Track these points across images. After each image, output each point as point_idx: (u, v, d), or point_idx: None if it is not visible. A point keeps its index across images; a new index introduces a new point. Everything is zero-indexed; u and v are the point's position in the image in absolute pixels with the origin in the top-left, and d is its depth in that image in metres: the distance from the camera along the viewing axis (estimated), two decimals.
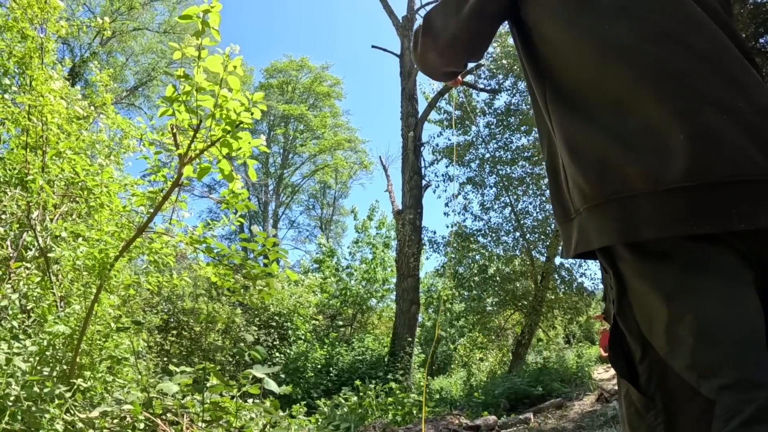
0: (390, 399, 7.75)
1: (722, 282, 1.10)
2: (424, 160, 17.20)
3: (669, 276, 1.13)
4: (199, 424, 3.37)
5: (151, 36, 25.82)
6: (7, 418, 2.99)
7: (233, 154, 3.30)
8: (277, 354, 15.09)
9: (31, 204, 4.79)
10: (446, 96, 18.85)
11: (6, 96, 4.85)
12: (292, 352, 15.36)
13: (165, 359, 12.01)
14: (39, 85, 4.66)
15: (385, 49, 18.30)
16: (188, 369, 3.71)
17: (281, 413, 4.87)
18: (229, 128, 3.15)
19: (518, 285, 16.74)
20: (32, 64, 4.89)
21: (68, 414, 3.42)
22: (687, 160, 1.09)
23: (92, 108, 5.85)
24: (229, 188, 3.66)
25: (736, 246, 1.12)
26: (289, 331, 16.08)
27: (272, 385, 3.39)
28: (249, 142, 3.31)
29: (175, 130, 3.35)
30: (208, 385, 3.46)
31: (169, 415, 3.34)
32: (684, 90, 1.14)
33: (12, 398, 3.13)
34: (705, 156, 1.08)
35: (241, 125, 3.20)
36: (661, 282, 1.14)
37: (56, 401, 3.45)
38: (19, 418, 3.12)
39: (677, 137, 1.10)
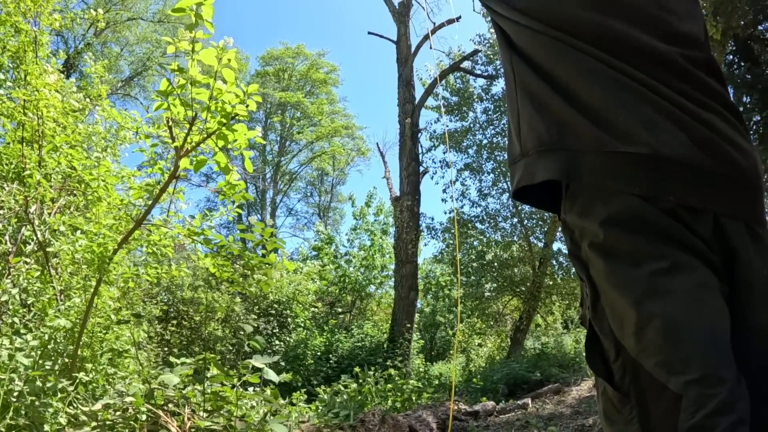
0: (389, 385, 7.81)
1: (688, 286, 1.19)
2: (421, 146, 17.22)
3: (637, 282, 1.21)
4: (201, 414, 3.41)
5: (146, 26, 25.66)
6: (11, 414, 3.02)
7: (229, 146, 3.32)
8: (277, 342, 15.17)
9: (28, 198, 4.80)
10: (443, 82, 18.84)
11: (1, 91, 4.84)
12: (291, 340, 15.44)
13: (166, 349, 12.08)
14: (34, 80, 4.65)
15: (381, 36, 18.24)
16: (188, 360, 3.75)
17: (281, 401, 4.93)
18: (224, 120, 3.17)
19: (516, 271, 16.80)
20: (26, 58, 4.88)
21: (71, 407, 3.46)
22: (628, 134, 1.23)
23: (88, 100, 5.85)
24: (225, 180, 3.68)
25: (706, 257, 1.22)
26: (289, 319, 16.15)
27: (271, 375, 3.45)
28: (245, 134, 3.33)
29: (170, 123, 3.37)
30: (209, 375, 3.50)
31: (170, 405, 3.37)
32: (628, 87, 1.28)
33: (16, 393, 3.17)
34: (642, 134, 1.23)
35: (237, 117, 3.22)
36: (629, 288, 1.23)
37: (59, 395, 3.49)
38: (23, 413, 3.15)
39: (617, 118, 1.25)
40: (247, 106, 3.21)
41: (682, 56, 1.31)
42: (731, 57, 8.98)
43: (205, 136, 3.25)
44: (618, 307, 1.26)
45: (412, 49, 17.48)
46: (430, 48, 23.05)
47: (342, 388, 7.12)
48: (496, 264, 16.87)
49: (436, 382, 13.52)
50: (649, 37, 1.31)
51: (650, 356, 1.21)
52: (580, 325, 1.45)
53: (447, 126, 18.36)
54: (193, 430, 3.05)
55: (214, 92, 3.12)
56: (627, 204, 1.23)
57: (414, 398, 7.92)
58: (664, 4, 1.38)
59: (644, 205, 1.22)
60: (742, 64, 8.87)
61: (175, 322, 13.45)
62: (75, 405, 3.45)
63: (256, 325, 14.52)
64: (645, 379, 1.25)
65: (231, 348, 13.31)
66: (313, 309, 17.75)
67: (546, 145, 1.34)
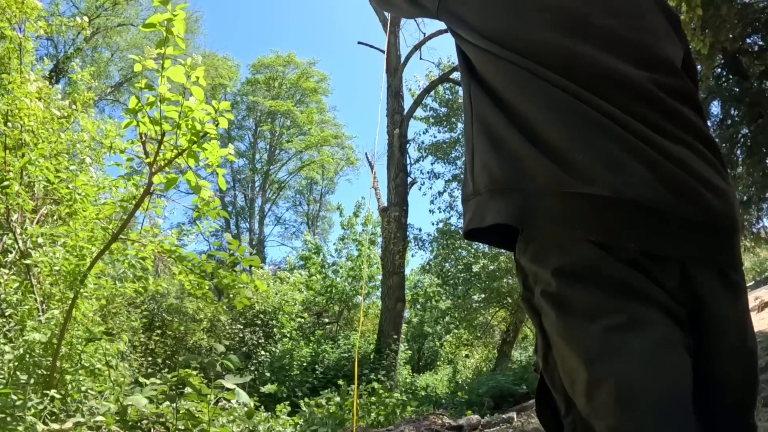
0: (373, 399, 7.77)
1: (646, 344, 1.09)
2: (409, 157, 17.24)
3: (590, 338, 1.12)
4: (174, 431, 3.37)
5: (136, 32, 25.58)
6: None
7: (200, 164, 3.29)
8: (262, 352, 15.06)
9: (10, 207, 4.74)
10: (432, 93, 18.90)
11: None
12: (277, 350, 15.34)
13: (150, 359, 11.96)
14: (15, 89, 4.61)
15: (371, 46, 18.38)
16: (158, 381, 3.70)
17: (261, 414, 4.88)
18: (195, 138, 3.14)
19: (504, 282, 16.83)
20: (10, 66, 4.84)
21: (45, 423, 3.41)
22: (589, 174, 1.12)
23: (73, 107, 5.81)
24: (198, 197, 3.64)
25: (669, 309, 1.12)
26: (275, 329, 16.06)
27: (243, 396, 3.40)
28: (217, 151, 3.30)
29: (144, 139, 3.34)
30: (183, 393, 3.46)
31: (144, 421, 3.33)
32: (593, 122, 1.18)
33: None
34: (605, 174, 1.12)
35: (207, 135, 3.19)
36: (581, 344, 1.13)
37: (32, 411, 3.43)
38: None
39: (577, 156, 1.14)
40: (217, 124, 3.18)
41: (656, 84, 1.23)
42: (719, 70, 9.04)
43: (176, 153, 3.22)
44: (569, 363, 1.16)
45: (402, 59, 17.53)
46: (420, 58, 23.12)
47: (323, 403, 7.07)
48: (483, 275, 16.90)
49: (422, 393, 13.49)
50: (623, 63, 1.22)
51: (601, 419, 1.11)
52: (533, 372, 1.36)
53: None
54: None
55: (184, 109, 3.09)
56: (582, 253, 1.14)
57: (398, 412, 7.87)
58: (642, 25, 1.31)
59: (601, 254, 1.12)
60: (731, 77, 8.93)
61: (159, 332, 13.35)
62: (47, 422, 3.39)
63: (234, 334, 14.42)
64: None
65: (217, 359, 13.21)
66: (299, 319, 17.66)
67: (498, 183, 1.24)
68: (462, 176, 17.05)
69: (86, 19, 6.02)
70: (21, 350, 4.07)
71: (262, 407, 7.56)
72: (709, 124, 8.81)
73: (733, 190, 1.26)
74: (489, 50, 1.32)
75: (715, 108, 9.05)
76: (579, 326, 1.13)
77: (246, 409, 4.00)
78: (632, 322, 1.09)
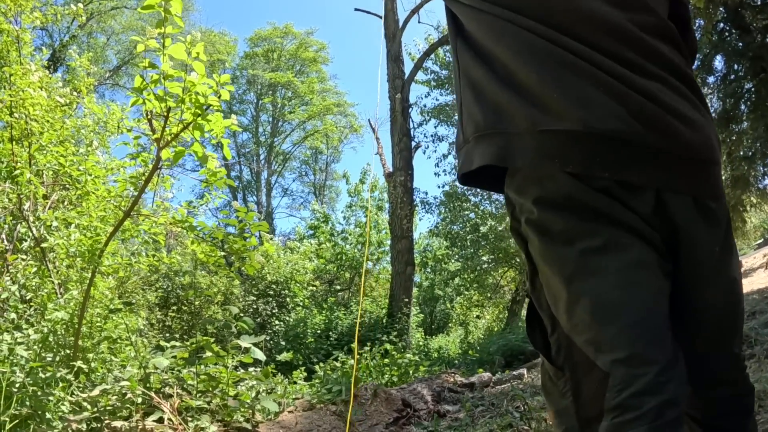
0: (386, 360, 7.95)
1: (620, 265, 1.20)
2: (412, 121, 17.20)
3: (569, 261, 1.24)
4: (195, 394, 3.55)
5: (130, 14, 25.38)
6: (14, 405, 3.14)
7: (205, 136, 3.42)
8: (276, 322, 15.31)
9: (21, 196, 4.88)
10: (432, 56, 18.76)
11: None
12: (291, 319, 15.57)
13: (167, 335, 12.22)
14: (18, 80, 4.70)
15: (368, 12, 18.14)
16: (178, 344, 3.88)
17: (278, 378, 5.07)
18: (199, 111, 3.27)
19: (511, 242, 16.90)
20: (9, 58, 4.92)
21: (72, 396, 3.59)
22: (562, 112, 1.21)
23: (75, 93, 5.90)
24: (206, 168, 3.78)
25: (643, 234, 1.22)
26: (287, 299, 16.27)
27: (258, 354, 3.58)
28: (221, 123, 3.42)
29: (150, 116, 3.46)
30: (203, 357, 3.64)
31: (166, 388, 3.50)
32: (566, 63, 1.25)
33: (17, 385, 3.29)
34: (577, 111, 1.20)
35: (211, 107, 3.31)
36: (562, 266, 1.25)
37: (60, 384, 3.62)
38: (26, 403, 3.28)
39: (552, 96, 1.23)
40: (219, 96, 3.30)
41: (631, 22, 1.26)
42: (722, 25, 8.88)
43: (182, 127, 3.35)
44: (552, 284, 1.29)
45: (400, 24, 17.37)
46: (419, 22, 22.87)
47: (338, 365, 7.27)
48: (491, 236, 16.98)
49: (435, 355, 13.72)
50: (598, 3, 1.27)
51: (580, 334, 1.25)
52: (526, 298, 1.49)
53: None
54: (186, 409, 3.18)
55: (187, 84, 3.21)
56: (560, 184, 1.23)
57: (411, 372, 8.05)
58: None
59: (576, 183, 1.21)
60: (733, 31, 8.78)
61: (175, 307, 13.59)
62: (75, 394, 3.57)
63: (248, 305, 14.63)
64: (578, 355, 1.30)
65: (232, 331, 13.47)
66: (311, 287, 17.88)
67: (481, 129, 1.34)
68: None
69: (81, 5, 6.06)
70: (46, 330, 4.24)
71: (279, 374, 7.77)
72: (712, 79, 8.74)
73: (712, 124, 1.32)
74: (472, 5, 1.40)
75: (719, 63, 8.92)
76: (559, 249, 1.25)
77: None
78: (607, 244, 1.20)
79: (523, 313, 17.17)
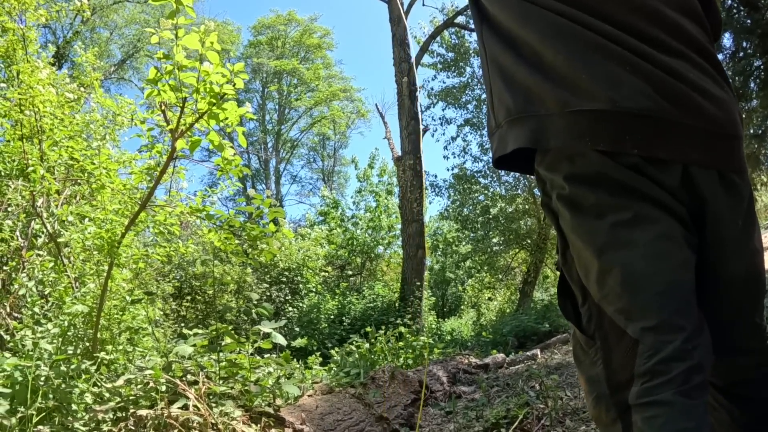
0: (401, 343, 8.00)
1: (649, 237, 1.25)
2: (420, 104, 17.15)
3: (601, 233, 1.29)
4: (217, 381, 3.61)
5: (132, 7, 25.36)
6: (40, 398, 3.21)
7: (221, 124, 3.45)
8: (290, 308, 15.41)
9: (34, 193, 4.93)
10: (438, 39, 18.66)
11: None
12: (304, 306, 15.66)
13: (182, 325, 12.35)
14: (26, 77, 4.74)
15: None
16: (200, 331, 3.94)
17: (295, 364, 5.13)
18: (214, 100, 3.30)
19: (522, 224, 16.92)
20: (16, 56, 4.95)
21: (95, 386, 3.65)
22: (591, 92, 1.26)
23: (82, 89, 5.93)
24: (222, 156, 3.82)
25: (671, 208, 1.27)
26: (300, 285, 16.37)
27: (279, 339, 3.63)
28: (235, 111, 3.45)
29: (163, 108, 3.49)
30: (223, 344, 3.69)
31: (189, 376, 3.55)
32: (592, 43, 1.30)
33: (42, 379, 3.36)
34: (605, 90, 1.25)
35: (225, 96, 3.34)
36: (593, 238, 1.31)
37: (83, 376, 3.68)
38: (51, 396, 3.35)
39: (580, 76, 1.28)
40: (234, 84, 3.33)
41: None
42: (730, 2, 8.78)
43: (197, 117, 3.38)
44: (583, 256, 1.34)
45: (405, 7, 17.27)
46: (423, 5, 22.71)
47: (354, 349, 7.33)
48: (501, 218, 16.98)
49: (448, 337, 13.79)
50: None
51: (611, 303, 1.30)
52: (556, 271, 1.56)
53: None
54: (209, 396, 3.23)
55: (202, 74, 3.24)
56: (590, 161, 1.28)
57: (425, 354, 8.10)
58: None
59: (606, 161, 1.26)
60: (741, 8, 8.68)
61: (189, 298, 13.71)
62: (99, 384, 3.64)
63: (268, 293, 14.74)
64: (608, 324, 1.35)
65: (246, 318, 13.59)
66: (323, 273, 17.94)
67: (513, 114, 1.39)
68: (474, 119, 16.91)
69: (85, 1, 6.07)
70: (65, 324, 4.31)
71: (295, 360, 7.87)
72: (720, 56, 8.64)
73: (734, 100, 1.37)
74: None
75: (727, 40, 8.84)
76: (590, 223, 1.31)
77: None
78: (636, 218, 1.26)
79: (536, 294, 17.25)
